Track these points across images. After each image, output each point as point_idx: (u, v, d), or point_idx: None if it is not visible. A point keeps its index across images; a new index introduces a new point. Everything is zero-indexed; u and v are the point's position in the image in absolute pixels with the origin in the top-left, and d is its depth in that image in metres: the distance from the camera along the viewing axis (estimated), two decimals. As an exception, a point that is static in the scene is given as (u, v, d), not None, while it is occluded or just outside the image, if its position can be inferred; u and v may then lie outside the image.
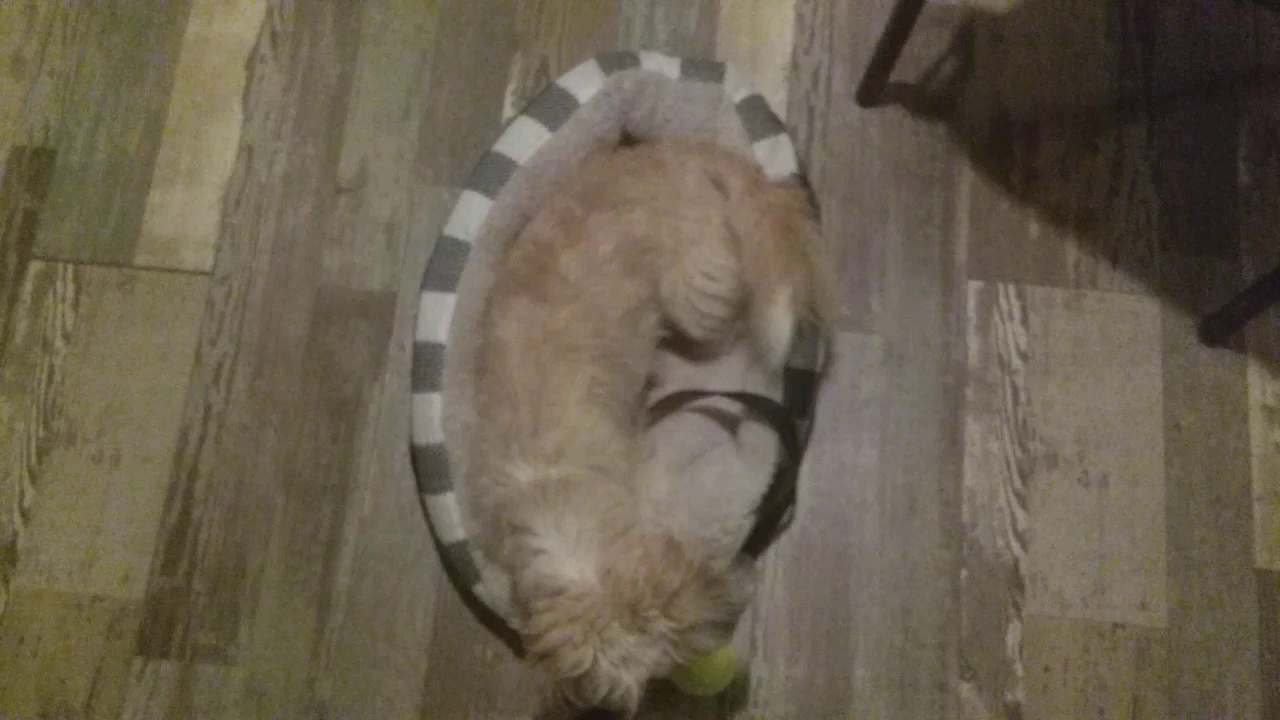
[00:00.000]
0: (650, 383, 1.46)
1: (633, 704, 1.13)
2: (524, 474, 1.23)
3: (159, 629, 1.47)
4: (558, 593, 1.14)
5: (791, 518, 1.47)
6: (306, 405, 1.54)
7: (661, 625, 1.11)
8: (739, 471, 1.40)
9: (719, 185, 1.41)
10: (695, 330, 1.43)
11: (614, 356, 1.34)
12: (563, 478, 1.21)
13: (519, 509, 1.21)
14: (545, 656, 1.13)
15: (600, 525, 1.18)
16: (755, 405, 1.42)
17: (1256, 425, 1.48)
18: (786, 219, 1.39)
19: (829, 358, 1.49)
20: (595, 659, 1.11)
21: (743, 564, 1.22)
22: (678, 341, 1.47)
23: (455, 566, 1.43)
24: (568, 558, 1.16)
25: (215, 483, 1.52)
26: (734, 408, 1.45)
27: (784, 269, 1.36)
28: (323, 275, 1.59)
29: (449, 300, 1.44)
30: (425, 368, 1.43)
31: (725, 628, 1.16)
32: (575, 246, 1.34)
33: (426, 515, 1.46)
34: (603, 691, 1.12)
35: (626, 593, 1.12)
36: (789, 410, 1.41)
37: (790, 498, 1.46)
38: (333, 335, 1.57)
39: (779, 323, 1.34)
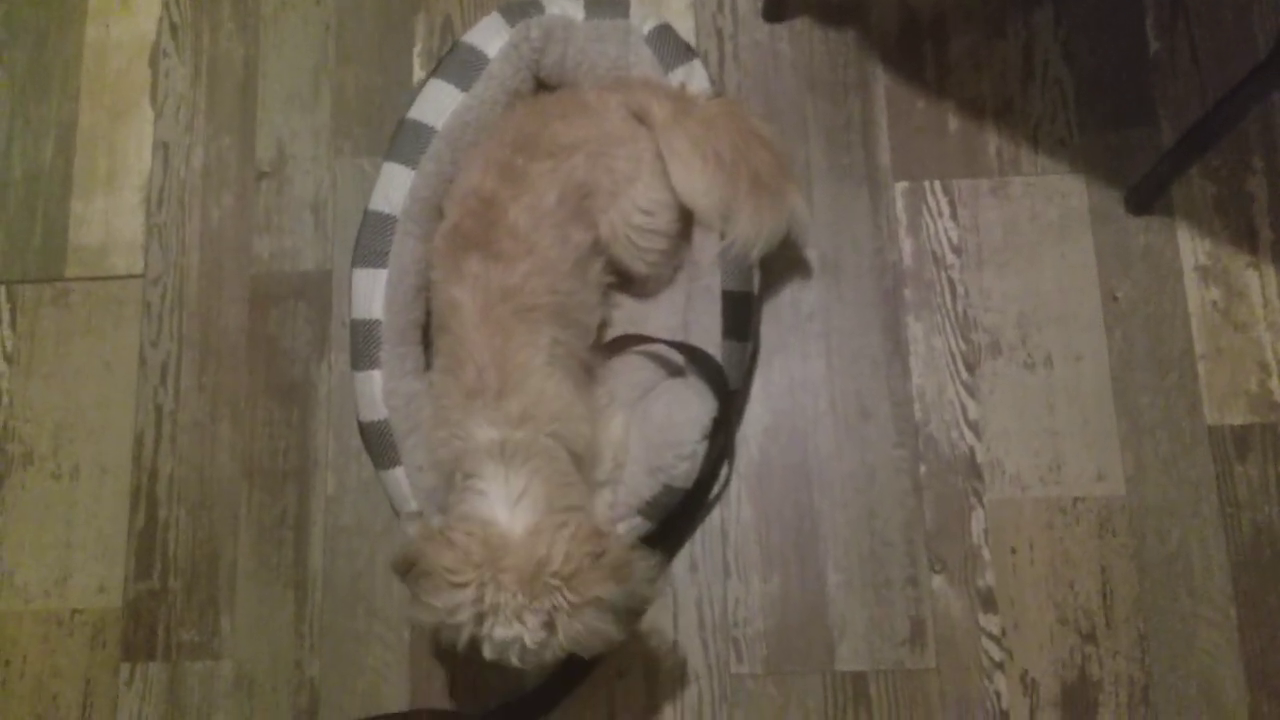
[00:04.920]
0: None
1: (517, 661, 1.13)
2: (485, 433, 1.22)
3: (141, 633, 1.48)
4: (484, 524, 1.15)
5: (728, 481, 1.47)
6: (256, 393, 1.54)
7: (559, 597, 1.10)
8: (689, 397, 1.40)
9: (642, 117, 1.41)
10: (639, 266, 1.43)
11: (569, 312, 1.34)
12: (525, 440, 1.21)
13: (474, 458, 1.21)
14: (421, 574, 1.14)
15: (546, 496, 1.18)
16: (693, 359, 1.41)
17: (1191, 286, 1.50)
18: (741, 124, 1.39)
19: (765, 276, 1.49)
20: (479, 616, 1.11)
21: (658, 561, 1.21)
22: (621, 278, 1.47)
23: (417, 535, 1.44)
24: (504, 507, 1.16)
25: (177, 482, 1.52)
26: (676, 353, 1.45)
27: (777, 170, 1.38)
28: (255, 262, 1.59)
29: (381, 276, 1.42)
30: (363, 345, 1.42)
31: (625, 617, 1.15)
32: (521, 199, 1.32)
33: (384, 489, 1.46)
34: (490, 652, 1.13)
35: (539, 551, 1.11)
36: (721, 368, 1.40)
37: (726, 453, 1.46)
38: (273, 321, 1.56)
39: (799, 213, 1.39)
